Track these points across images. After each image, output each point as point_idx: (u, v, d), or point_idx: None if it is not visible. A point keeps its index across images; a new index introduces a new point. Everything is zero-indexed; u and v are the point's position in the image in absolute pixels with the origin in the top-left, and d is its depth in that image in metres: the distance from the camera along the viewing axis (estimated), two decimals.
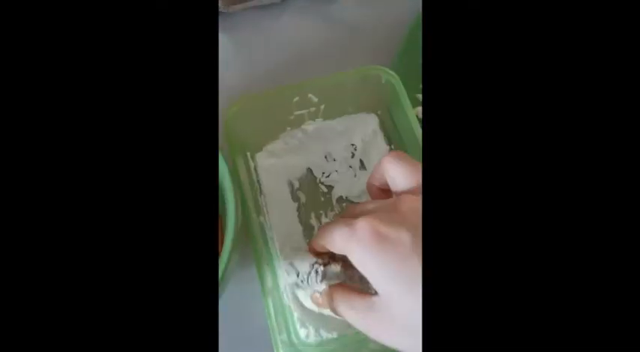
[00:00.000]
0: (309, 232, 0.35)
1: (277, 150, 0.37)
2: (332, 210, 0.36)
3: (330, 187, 0.37)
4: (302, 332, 0.29)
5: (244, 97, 0.35)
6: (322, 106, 0.37)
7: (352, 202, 0.36)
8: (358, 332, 0.25)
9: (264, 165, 0.37)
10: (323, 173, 0.37)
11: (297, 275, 0.28)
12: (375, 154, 0.37)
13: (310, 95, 0.36)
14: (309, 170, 0.37)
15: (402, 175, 0.26)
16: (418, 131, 0.34)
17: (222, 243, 0.27)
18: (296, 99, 0.35)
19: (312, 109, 0.37)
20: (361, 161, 0.37)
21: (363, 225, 0.24)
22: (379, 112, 0.38)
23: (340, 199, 0.36)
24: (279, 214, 0.35)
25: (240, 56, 0.43)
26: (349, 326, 0.26)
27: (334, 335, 0.29)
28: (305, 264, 0.28)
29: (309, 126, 0.37)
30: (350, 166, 0.37)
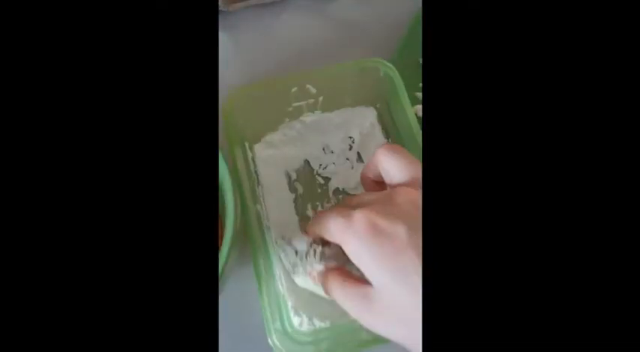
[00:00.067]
0: (305, 223, 0.35)
1: (275, 141, 0.37)
2: (328, 201, 0.36)
3: (327, 179, 0.37)
4: (295, 321, 0.30)
5: (243, 88, 0.35)
6: (321, 98, 0.37)
7: (349, 194, 0.36)
8: (351, 321, 0.26)
9: (263, 156, 0.37)
10: (320, 165, 0.37)
11: (296, 254, 0.28)
12: (372, 147, 0.37)
13: (309, 86, 0.36)
14: (307, 162, 0.37)
15: (396, 168, 0.27)
16: (416, 125, 0.34)
17: (222, 239, 0.27)
18: (294, 89, 0.36)
19: (311, 101, 0.37)
20: (358, 154, 0.37)
21: (359, 217, 0.24)
22: (377, 106, 0.38)
23: (337, 191, 0.36)
24: (276, 205, 0.35)
25: (240, 55, 0.43)
26: (343, 315, 0.26)
27: (327, 323, 0.29)
28: (303, 244, 0.28)
29: (308, 118, 0.38)
30: (347, 159, 0.37)
